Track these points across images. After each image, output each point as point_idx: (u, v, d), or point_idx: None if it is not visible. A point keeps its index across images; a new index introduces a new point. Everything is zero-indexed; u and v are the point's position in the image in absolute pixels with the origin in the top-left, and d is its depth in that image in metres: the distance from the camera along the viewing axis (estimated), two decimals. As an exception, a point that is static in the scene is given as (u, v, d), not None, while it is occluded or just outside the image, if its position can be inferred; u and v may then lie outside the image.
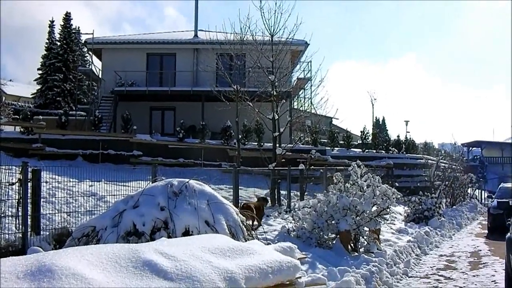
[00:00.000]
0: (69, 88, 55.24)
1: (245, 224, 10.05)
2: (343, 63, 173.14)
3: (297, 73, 38.74)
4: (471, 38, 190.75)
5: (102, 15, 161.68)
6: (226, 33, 26.14)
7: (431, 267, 14.64)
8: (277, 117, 23.18)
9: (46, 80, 58.36)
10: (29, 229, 11.23)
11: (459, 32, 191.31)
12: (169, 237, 8.83)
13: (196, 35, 44.29)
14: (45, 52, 61.15)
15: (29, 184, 11.24)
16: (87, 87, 53.22)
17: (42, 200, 15.36)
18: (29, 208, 11.20)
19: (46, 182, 18.04)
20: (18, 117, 34.77)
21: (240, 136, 29.44)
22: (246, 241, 9.30)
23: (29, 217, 11.25)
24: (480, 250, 17.70)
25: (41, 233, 11.77)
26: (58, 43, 60.74)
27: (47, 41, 62.12)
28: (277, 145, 23.82)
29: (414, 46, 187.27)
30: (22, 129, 33.27)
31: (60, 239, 10.77)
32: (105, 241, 8.99)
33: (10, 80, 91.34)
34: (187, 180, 9.81)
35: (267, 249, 7.97)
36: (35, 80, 64.00)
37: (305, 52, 40.23)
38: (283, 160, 23.99)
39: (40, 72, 60.80)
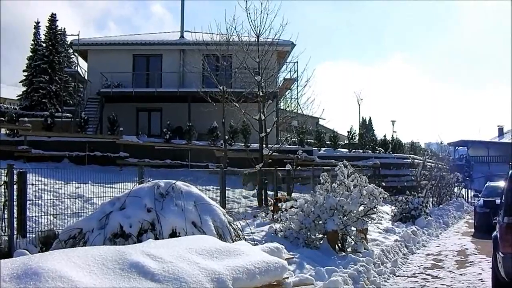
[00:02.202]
0: (55, 89, 55.00)
1: (232, 225, 10.02)
2: (330, 64, 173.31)
3: (283, 73, 38.82)
4: (460, 38, 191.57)
5: (87, 14, 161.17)
6: (212, 34, 26.21)
7: (418, 266, 14.68)
8: (264, 118, 23.18)
9: (32, 82, 58.04)
10: (15, 232, 11.15)
11: (448, 32, 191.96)
12: (156, 238, 8.79)
13: (182, 36, 44.21)
14: (31, 54, 60.85)
15: (15, 187, 11.15)
16: (73, 89, 52.96)
17: (28, 202, 15.32)
18: (15, 210, 11.11)
19: (32, 184, 17.72)
20: (3, 119, 34.58)
21: (226, 137, 29.38)
22: (233, 242, 9.28)
23: (15, 220, 11.17)
24: (467, 249, 17.77)
25: (28, 235, 11.69)
26: (44, 45, 60.45)
27: (33, 42, 61.83)
28: (264, 145, 23.81)
29: (402, 46, 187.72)
30: (7, 131, 33.10)
31: (47, 242, 10.72)
32: (92, 243, 8.95)
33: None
34: (174, 181, 9.78)
35: (254, 250, 7.96)
36: (20, 81, 63.66)
37: (291, 52, 40.27)
38: (270, 160, 23.99)
39: (26, 73, 60.46)
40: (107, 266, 5.69)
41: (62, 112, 45.78)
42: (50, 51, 58.32)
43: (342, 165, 15.62)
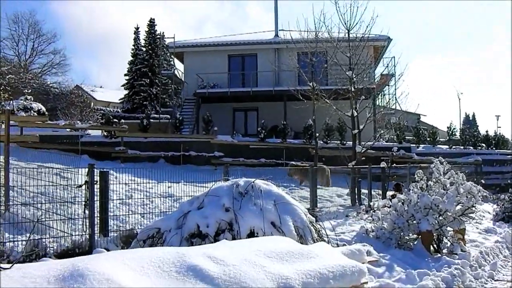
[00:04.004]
0: (155, 92, 55.94)
1: (315, 225, 9.57)
2: (428, 57, 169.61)
3: (380, 69, 38.13)
4: None
5: (185, 19, 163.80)
6: (305, 31, 25.82)
7: (520, 269, 13.79)
8: (356, 114, 22.57)
9: (133, 85, 59.37)
10: (97, 231, 11.11)
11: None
12: (233, 239, 8.54)
13: (276, 35, 44.11)
14: (131, 58, 62.25)
15: (96, 186, 11.10)
16: (172, 91, 53.85)
17: (118, 201, 15.52)
18: (96, 210, 11.05)
19: (126, 184, 18.13)
20: (103, 121, 35.39)
21: (317, 134, 28.95)
22: (314, 242, 8.86)
23: (96, 219, 11.12)
24: None
25: (110, 234, 11.63)
26: (144, 49, 61.80)
27: (133, 47, 63.26)
28: (357, 142, 23.19)
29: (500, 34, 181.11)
30: (105, 133, 33.79)
31: (127, 241, 10.61)
32: (169, 243, 8.79)
33: (101, 87, 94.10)
34: (253, 180, 9.43)
35: (332, 252, 7.47)
36: (122, 85, 65.23)
37: (388, 47, 39.50)
38: (363, 158, 23.37)
39: (127, 77, 61.86)
40: (163, 268, 5.39)
41: (160, 114, 46.54)
42: (150, 55, 59.47)
43: (438, 162, 14.91)
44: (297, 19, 47.97)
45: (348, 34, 23.35)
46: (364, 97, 23.58)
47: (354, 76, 22.90)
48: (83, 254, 9.64)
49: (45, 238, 10.89)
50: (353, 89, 22.67)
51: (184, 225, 9.05)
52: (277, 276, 5.86)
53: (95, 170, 11.02)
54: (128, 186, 18.62)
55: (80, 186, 11.61)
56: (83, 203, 11.46)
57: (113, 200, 15.25)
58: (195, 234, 8.87)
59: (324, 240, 9.66)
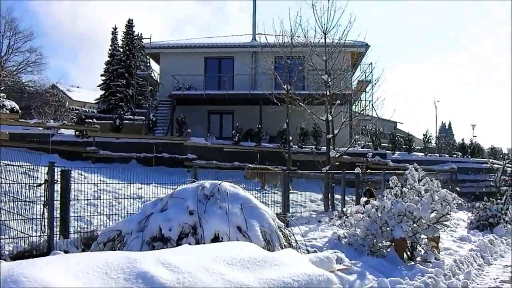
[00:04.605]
0: (131, 93, 55.37)
1: (283, 230, 9.15)
2: (405, 66, 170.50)
3: (357, 75, 37.99)
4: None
5: (166, 20, 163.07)
6: (283, 36, 25.45)
7: (494, 279, 13.44)
8: (331, 119, 22.22)
9: (109, 86, 58.86)
10: (57, 232, 10.64)
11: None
12: (197, 243, 8.13)
13: (254, 38, 43.75)
14: (108, 59, 61.73)
15: (56, 186, 10.62)
16: (148, 92, 53.36)
17: (85, 202, 15.09)
18: (55, 210, 10.57)
19: (94, 184, 17.71)
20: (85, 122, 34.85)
21: (291, 138, 28.55)
22: (282, 248, 8.44)
23: (56, 219, 10.64)
24: (551, 261, 16.36)
25: (71, 236, 11.14)
26: (121, 49, 61.32)
27: (110, 47, 62.78)
28: (331, 147, 22.85)
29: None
30: (76, 133, 33.29)
31: (88, 243, 10.15)
32: (129, 246, 8.33)
33: (78, 87, 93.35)
34: (219, 182, 9.00)
35: (298, 260, 6.99)
36: (98, 86, 64.65)
37: (365, 53, 39.41)
38: (337, 163, 23.05)
39: (104, 78, 61.31)
40: (110, 275, 4.92)
41: (134, 115, 46.07)
42: (127, 56, 58.96)
43: (412, 168, 14.61)
44: (273, 21, 47.89)
45: (325, 38, 22.97)
46: (339, 102, 23.20)
47: (330, 80, 22.55)
48: (40, 256, 9.18)
49: (3, 239, 10.43)
50: (328, 93, 22.30)
51: (146, 228, 8.61)
52: (236, 285, 5.40)
53: (56, 168, 10.51)
54: (97, 186, 18.18)
55: (40, 185, 11.07)
56: (42, 203, 10.95)
57: (79, 200, 14.88)
58: (157, 237, 8.42)
59: (293, 247, 9.26)
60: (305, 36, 23.67)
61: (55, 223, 10.61)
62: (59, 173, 11.00)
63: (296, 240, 9.83)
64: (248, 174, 26.07)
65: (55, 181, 10.43)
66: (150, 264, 5.23)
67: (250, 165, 27.41)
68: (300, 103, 22.96)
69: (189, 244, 8.00)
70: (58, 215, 10.88)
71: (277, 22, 59.06)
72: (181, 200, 8.77)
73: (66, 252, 9.65)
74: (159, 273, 5.13)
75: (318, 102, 23.27)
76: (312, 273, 6.50)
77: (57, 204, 10.91)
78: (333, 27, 22.86)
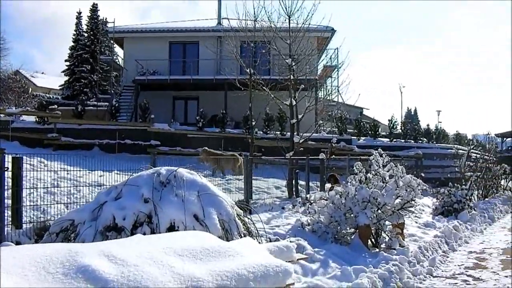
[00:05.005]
0: (96, 79, 54.69)
1: (242, 218, 8.82)
2: (375, 51, 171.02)
3: (323, 60, 37.79)
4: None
5: (133, 4, 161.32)
6: (247, 20, 25.05)
7: (459, 265, 13.31)
8: (295, 103, 21.91)
9: (74, 71, 58.25)
10: (8, 223, 10.20)
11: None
12: (152, 232, 7.76)
13: (219, 23, 43.27)
14: (73, 44, 60.89)
15: (7, 174, 10.15)
16: (113, 78, 52.65)
17: (43, 190, 14.63)
18: (6, 199, 10.10)
19: (55, 171, 17.27)
20: (46, 108, 34.16)
21: (253, 123, 28.18)
22: (241, 237, 8.12)
23: (7, 209, 10.20)
24: (514, 247, 16.29)
25: (24, 226, 10.70)
26: (86, 34, 60.57)
27: (75, 32, 62.01)
28: (295, 133, 22.56)
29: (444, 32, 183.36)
30: (37, 119, 32.67)
31: (41, 234, 9.71)
32: (82, 236, 7.95)
33: (42, 73, 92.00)
34: (175, 168, 8.65)
35: (255, 250, 6.62)
36: (62, 71, 63.80)
37: (331, 38, 39.27)
38: (301, 149, 22.77)
39: (68, 63, 60.52)
40: (48, 270, 4.53)
41: (97, 101, 45.45)
42: (92, 41, 58.39)
43: (377, 154, 14.37)
44: (236, 3, 47.53)
45: (289, 21, 22.55)
46: (303, 87, 22.86)
47: (294, 64, 22.21)
48: (-11, 247, 8.77)
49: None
50: (292, 78, 21.96)
51: (99, 217, 8.22)
52: (186, 277, 5.04)
53: (6, 155, 10.03)
54: (57, 174, 17.74)
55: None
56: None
57: (37, 189, 14.45)
58: (110, 227, 8.04)
59: (254, 235, 8.94)
60: (268, 19, 23.23)
61: (6, 213, 10.15)
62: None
63: (257, 229, 9.51)
64: (204, 157, 25.77)
65: (6, 169, 9.95)
66: (93, 257, 4.86)
67: (206, 148, 27.02)
68: (264, 88, 22.56)
69: (144, 233, 7.66)
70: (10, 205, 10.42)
71: (240, 4, 58.62)
72: (136, 188, 8.39)
73: (18, 243, 9.24)
74: (102, 266, 4.76)
75: (282, 87, 22.93)
76: (269, 263, 6.15)
77: (8, 193, 10.45)
78: (297, 10, 22.45)
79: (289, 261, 7.34)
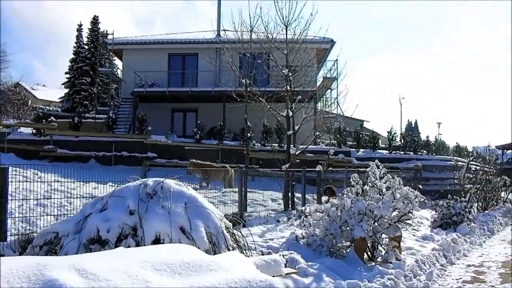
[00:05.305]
0: (96, 91, 54.59)
1: (230, 231, 8.57)
2: (372, 63, 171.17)
3: (323, 72, 37.71)
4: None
5: (135, 15, 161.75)
6: (245, 31, 24.90)
7: (456, 279, 13.03)
8: (291, 114, 21.67)
9: (74, 84, 58.29)
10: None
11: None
12: (137, 245, 7.54)
13: (219, 35, 43.11)
14: (73, 56, 60.91)
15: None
16: (112, 90, 52.54)
17: (34, 203, 14.44)
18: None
19: (48, 183, 17.13)
20: (43, 120, 34.01)
21: (250, 135, 27.97)
22: (229, 250, 7.87)
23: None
24: (513, 260, 16.00)
25: (8, 238, 10.46)
26: (86, 47, 60.62)
27: (75, 44, 62.05)
28: (292, 145, 22.31)
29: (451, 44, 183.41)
30: (34, 131, 32.52)
31: (25, 246, 9.46)
32: (66, 249, 7.71)
33: (44, 86, 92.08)
34: (162, 179, 8.41)
35: (241, 264, 6.36)
36: (63, 84, 63.78)
37: (331, 50, 39.15)
38: (298, 161, 22.48)
39: (68, 76, 60.50)
40: (12, 284, 4.30)
41: (96, 113, 45.33)
42: (92, 53, 58.46)
43: (374, 165, 14.12)
44: (232, 12, 47.24)
45: (286, 30, 22.35)
46: (300, 98, 22.60)
47: (291, 75, 22.00)
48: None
49: None
50: (289, 89, 21.74)
51: (83, 229, 7.99)
52: (161, 293, 4.82)
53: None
54: (50, 186, 17.57)
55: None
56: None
57: (27, 200, 14.31)
58: (94, 239, 7.81)
59: (243, 248, 8.69)
60: (265, 29, 23.02)
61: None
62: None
63: (248, 242, 9.25)
64: (190, 169, 25.49)
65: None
66: (62, 271, 4.62)
67: (193, 160, 26.74)
68: (260, 98, 22.31)
69: (129, 246, 7.46)
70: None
71: (236, 14, 58.21)
72: (122, 199, 8.17)
73: (1, 255, 9.01)
74: (70, 281, 4.51)
75: (279, 98, 22.71)
76: (253, 278, 5.87)
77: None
78: (295, 20, 22.26)
79: (277, 276, 7.09)
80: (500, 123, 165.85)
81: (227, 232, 8.33)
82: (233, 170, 25.53)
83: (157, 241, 7.66)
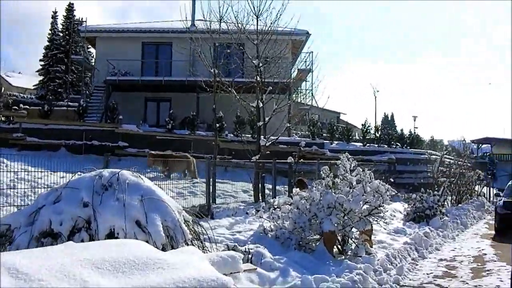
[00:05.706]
0: (71, 79, 53.90)
1: (190, 224, 8.20)
2: (354, 61, 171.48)
3: (298, 64, 37.48)
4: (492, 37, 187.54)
5: (110, 4, 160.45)
6: (214, 21, 24.48)
7: (427, 273, 12.82)
8: (262, 105, 21.35)
9: (48, 71, 57.68)
10: None
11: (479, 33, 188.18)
12: (91, 239, 7.17)
13: (193, 24, 42.52)
14: (48, 43, 60.21)
15: None
16: (84, 78, 51.84)
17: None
18: None
19: (14, 172, 16.65)
20: (17, 108, 33.33)
21: (219, 126, 27.54)
22: (188, 245, 7.51)
23: None
24: (485, 254, 15.79)
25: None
26: (61, 34, 59.92)
27: (50, 31, 61.32)
28: (262, 136, 21.99)
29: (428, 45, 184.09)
30: (2, 118, 31.95)
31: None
32: (17, 242, 7.33)
33: (19, 73, 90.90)
34: (118, 170, 8.02)
35: (194, 261, 5.94)
36: (37, 71, 63.03)
37: (306, 42, 38.84)
38: (268, 152, 22.17)
39: (42, 63, 59.80)
40: None
41: (68, 101, 44.69)
42: (67, 41, 57.75)
43: (344, 158, 13.83)
44: (201, 2, 46.64)
45: (257, 21, 21.94)
46: (271, 89, 22.24)
47: (261, 65, 21.65)
48: None
49: None
50: (259, 79, 21.39)
51: (35, 222, 7.59)
52: (99, 294, 4.44)
53: None
54: (16, 175, 17.09)
55: None
56: None
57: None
58: (46, 232, 7.41)
59: (203, 242, 8.33)
60: (235, 18, 22.59)
61: None
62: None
63: (214, 234, 8.95)
64: (150, 161, 24.82)
65: None
66: (-10, 270, 4.22)
67: (153, 152, 26.07)
68: (229, 89, 21.92)
69: (82, 240, 7.11)
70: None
71: (205, 3, 57.78)
72: (76, 191, 7.77)
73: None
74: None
75: (249, 89, 22.35)
76: (203, 277, 5.46)
77: None
78: (266, 10, 21.86)
79: (235, 272, 6.75)
80: (476, 117, 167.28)
81: (186, 225, 7.96)
82: (195, 160, 25.01)
83: (111, 235, 7.28)
